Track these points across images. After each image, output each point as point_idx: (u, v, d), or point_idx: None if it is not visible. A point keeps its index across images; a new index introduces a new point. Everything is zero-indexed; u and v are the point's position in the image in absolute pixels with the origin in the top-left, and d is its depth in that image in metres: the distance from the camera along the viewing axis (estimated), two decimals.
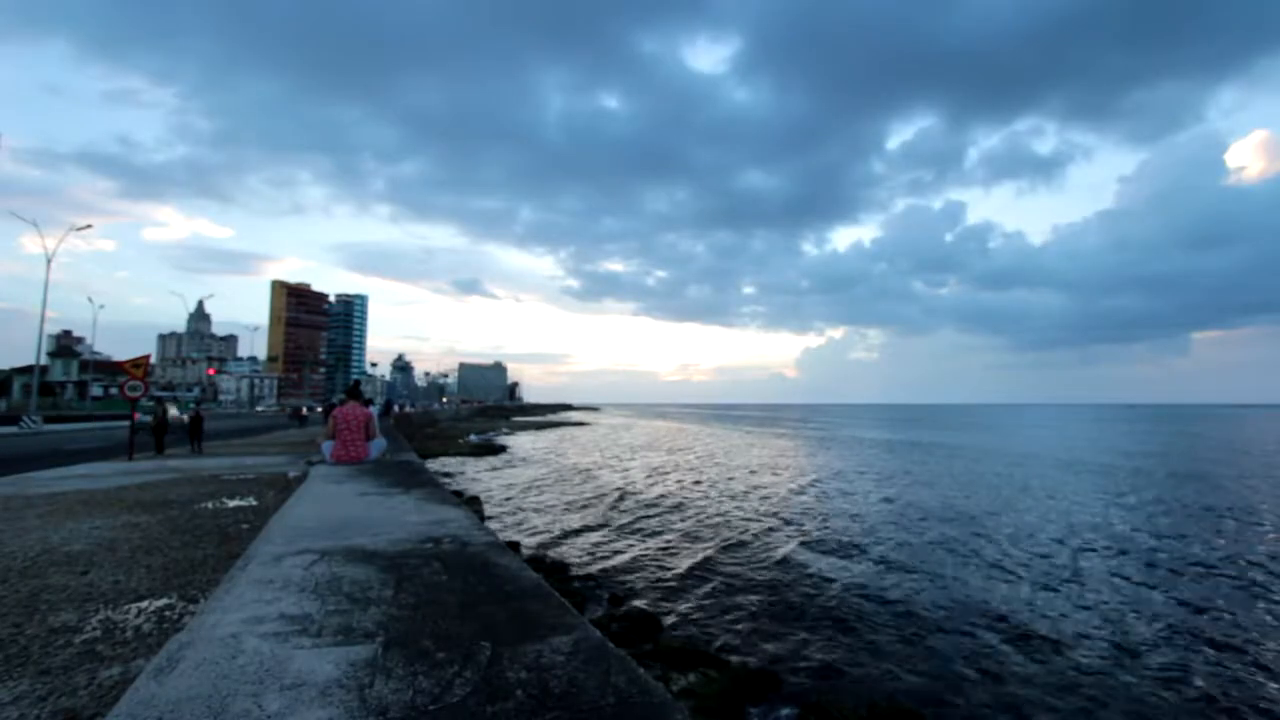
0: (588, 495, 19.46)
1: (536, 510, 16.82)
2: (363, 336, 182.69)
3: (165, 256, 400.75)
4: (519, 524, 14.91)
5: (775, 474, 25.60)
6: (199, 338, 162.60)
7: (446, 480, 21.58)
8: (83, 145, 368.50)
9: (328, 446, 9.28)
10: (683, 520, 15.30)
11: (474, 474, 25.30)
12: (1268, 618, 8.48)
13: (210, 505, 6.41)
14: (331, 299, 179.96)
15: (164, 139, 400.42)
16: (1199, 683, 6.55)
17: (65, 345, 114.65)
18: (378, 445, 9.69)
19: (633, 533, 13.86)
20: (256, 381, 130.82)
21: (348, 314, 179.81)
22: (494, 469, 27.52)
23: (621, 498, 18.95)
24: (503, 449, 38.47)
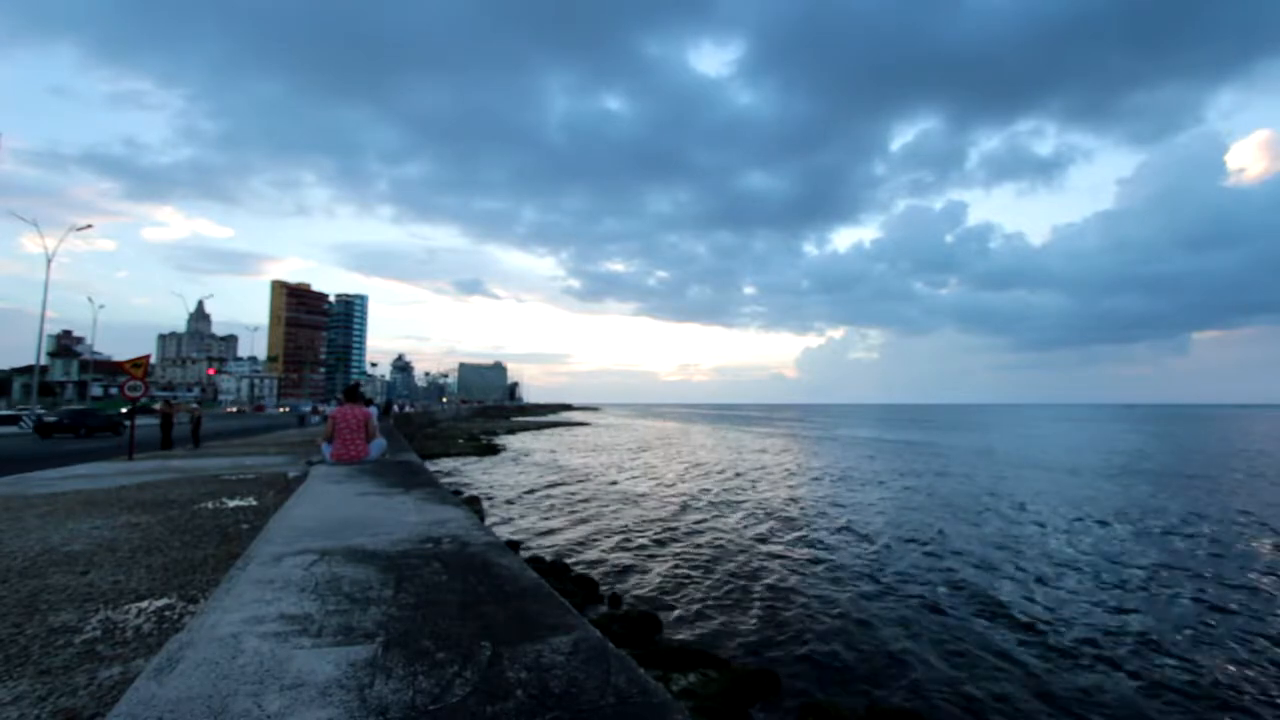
0: (587, 495, 19.45)
1: (536, 510, 16.81)
2: (363, 336, 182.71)
3: (166, 256, 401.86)
4: (518, 524, 14.91)
5: (771, 473, 25.59)
6: (199, 338, 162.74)
7: (446, 480, 21.58)
8: (88, 147, 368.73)
9: (328, 447, 9.28)
10: (682, 521, 15.30)
11: (474, 474, 25.30)
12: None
13: (210, 505, 6.41)
14: (331, 299, 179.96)
15: (170, 140, 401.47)
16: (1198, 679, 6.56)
17: (65, 345, 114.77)
18: (378, 445, 9.68)
19: (632, 533, 13.86)
20: (256, 381, 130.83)
21: (348, 314, 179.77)
22: (494, 469, 27.51)
23: (620, 498, 18.95)
24: (502, 449, 38.49)
